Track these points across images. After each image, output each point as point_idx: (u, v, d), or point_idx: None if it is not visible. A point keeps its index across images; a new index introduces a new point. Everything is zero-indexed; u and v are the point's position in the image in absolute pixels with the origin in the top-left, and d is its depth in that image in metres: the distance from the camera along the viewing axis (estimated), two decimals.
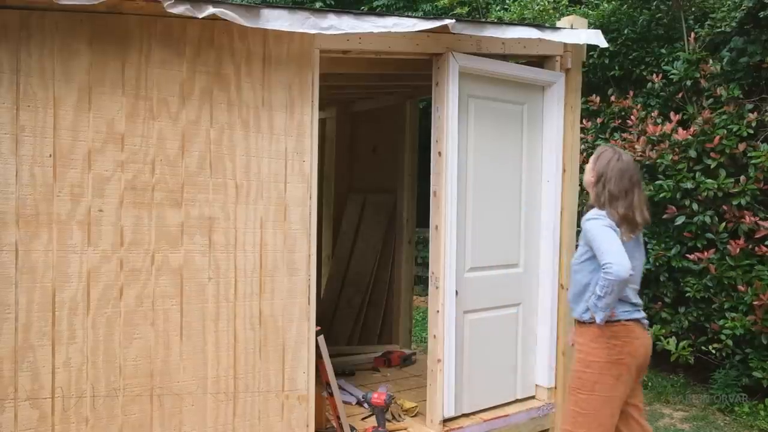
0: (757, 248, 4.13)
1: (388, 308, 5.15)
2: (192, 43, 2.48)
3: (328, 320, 5.08)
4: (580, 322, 2.58)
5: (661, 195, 4.55)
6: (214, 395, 2.57)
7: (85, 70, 2.27)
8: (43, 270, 2.21)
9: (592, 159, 2.60)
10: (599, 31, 3.43)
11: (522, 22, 5.06)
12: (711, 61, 4.70)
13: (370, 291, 5.19)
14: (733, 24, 4.66)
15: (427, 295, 3.65)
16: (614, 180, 2.49)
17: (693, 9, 5.35)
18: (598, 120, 5.56)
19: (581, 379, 2.52)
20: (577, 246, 2.70)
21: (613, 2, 5.76)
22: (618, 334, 2.48)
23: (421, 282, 8.02)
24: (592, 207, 2.58)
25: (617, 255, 2.32)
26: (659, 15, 5.48)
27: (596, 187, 2.55)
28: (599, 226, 2.43)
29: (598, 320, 2.44)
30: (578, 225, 3.00)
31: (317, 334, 2.89)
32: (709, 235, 4.44)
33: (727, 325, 4.22)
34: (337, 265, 5.32)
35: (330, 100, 5.19)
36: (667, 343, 4.59)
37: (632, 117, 5.02)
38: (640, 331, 2.53)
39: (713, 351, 4.46)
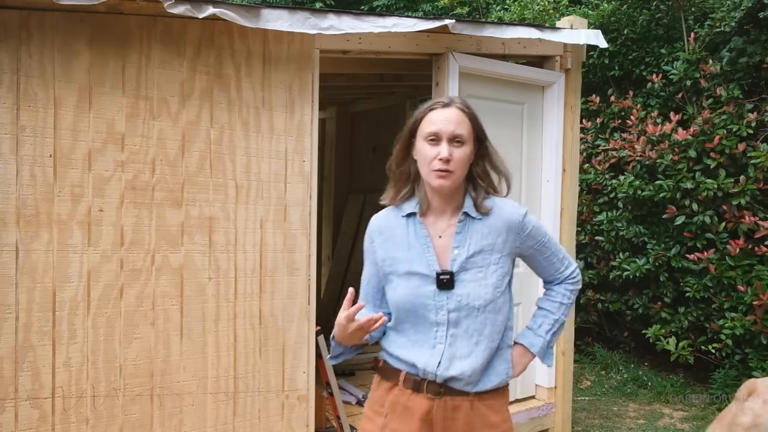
0: (756, 248, 4.13)
1: None
2: (192, 43, 2.48)
3: (328, 320, 5.08)
4: (491, 392, 1.56)
5: (661, 195, 4.56)
6: (214, 395, 2.57)
7: (85, 70, 2.27)
8: (44, 270, 2.21)
9: (465, 117, 1.52)
10: (599, 32, 3.43)
11: (522, 22, 5.06)
12: (711, 61, 4.70)
13: None
14: (733, 24, 4.66)
15: None
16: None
17: (693, 9, 5.35)
18: (598, 120, 5.56)
19: None
20: (461, 262, 1.53)
21: (613, 2, 5.76)
22: None
23: None
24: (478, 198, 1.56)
25: None
26: (659, 15, 5.48)
27: (492, 155, 1.58)
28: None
29: (550, 363, 1.67)
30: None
31: (317, 334, 2.89)
32: (709, 235, 4.44)
33: (726, 324, 4.22)
34: (337, 265, 5.32)
35: (330, 100, 5.19)
36: (667, 343, 4.59)
37: (632, 117, 5.02)
38: None
39: (713, 351, 4.46)
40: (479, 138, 1.55)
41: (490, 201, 1.57)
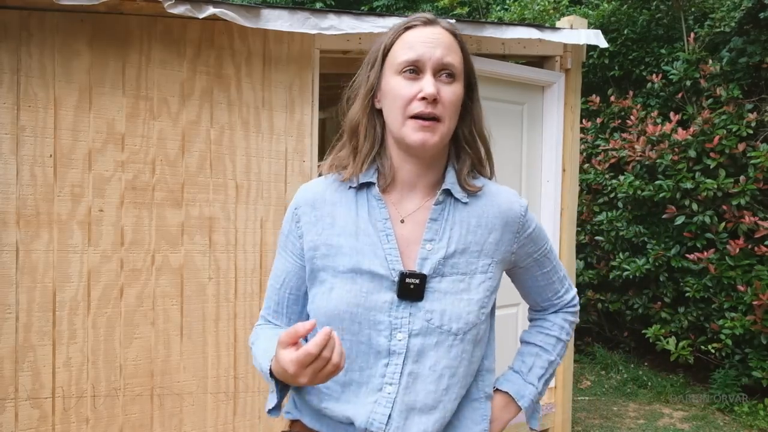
0: (756, 248, 4.13)
1: None
2: (192, 43, 2.48)
3: None
4: None
5: (661, 195, 4.56)
6: (215, 395, 2.57)
7: (85, 70, 2.27)
8: (44, 270, 2.21)
9: (456, 43, 1.05)
10: (599, 32, 3.43)
11: (522, 22, 5.06)
12: (711, 61, 4.70)
13: None
14: (733, 24, 4.66)
15: None
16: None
17: (693, 9, 5.36)
18: (598, 120, 5.57)
19: None
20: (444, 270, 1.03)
21: (613, 2, 5.76)
22: None
23: None
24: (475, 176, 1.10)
25: None
26: (659, 15, 5.48)
27: (480, 117, 1.14)
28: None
29: (537, 425, 1.18)
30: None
31: None
32: (709, 235, 4.44)
33: (726, 324, 4.22)
34: None
35: (330, 100, 5.19)
36: (667, 343, 4.60)
37: (632, 117, 5.02)
38: None
39: (713, 351, 4.47)
40: (470, 83, 1.07)
41: (478, 180, 1.08)
